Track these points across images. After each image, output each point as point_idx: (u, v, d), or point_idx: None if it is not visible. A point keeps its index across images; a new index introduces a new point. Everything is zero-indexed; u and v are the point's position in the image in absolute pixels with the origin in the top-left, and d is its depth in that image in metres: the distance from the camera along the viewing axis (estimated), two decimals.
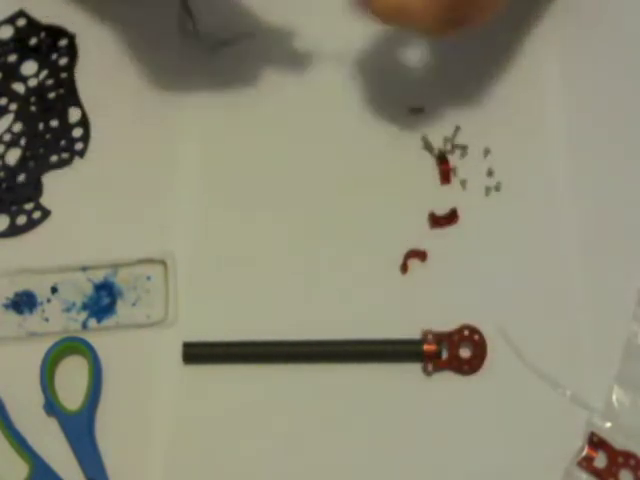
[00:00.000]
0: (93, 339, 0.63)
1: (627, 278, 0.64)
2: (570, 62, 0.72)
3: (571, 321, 0.63)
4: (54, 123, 0.70)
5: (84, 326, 0.64)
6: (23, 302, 0.64)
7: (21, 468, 0.60)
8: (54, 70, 0.72)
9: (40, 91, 0.72)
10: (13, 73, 0.72)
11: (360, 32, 0.72)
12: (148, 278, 0.65)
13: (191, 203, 0.67)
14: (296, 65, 0.71)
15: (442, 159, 0.68)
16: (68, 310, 0.64)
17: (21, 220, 0.67)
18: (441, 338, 0.62)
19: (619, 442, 0.60)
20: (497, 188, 0.67)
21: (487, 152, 0.68)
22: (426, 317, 0.63)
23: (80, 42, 0.73)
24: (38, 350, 0.62)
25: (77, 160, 0.69)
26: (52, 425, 0.61)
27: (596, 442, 0.60)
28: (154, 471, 0.60)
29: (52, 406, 0.61)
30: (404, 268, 0.65)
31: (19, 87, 0.72)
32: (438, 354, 0.62)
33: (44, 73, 0.72)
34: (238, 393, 0.62)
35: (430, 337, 0.62)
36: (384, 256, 0.65)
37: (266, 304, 0.64)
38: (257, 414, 0.61)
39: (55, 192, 0.68)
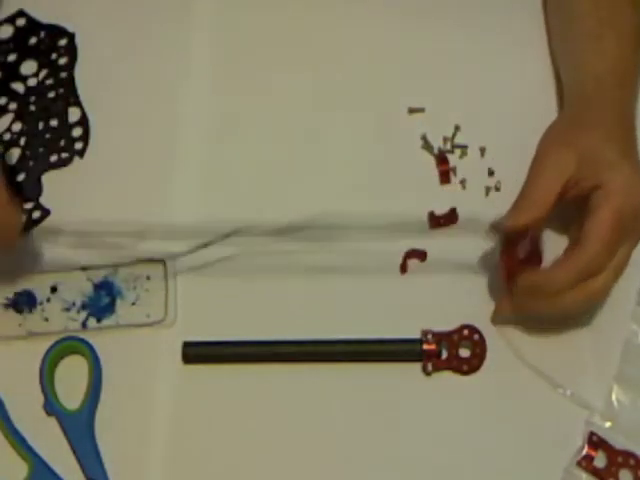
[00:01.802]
0: (93, 339, 0.63)
1: (627, 278, 0.64)
2: None
3: (571, 321, 0.63)
4: (54, 123, 0.70)
5: (84, 325, 0.64)
6: (23, 301, 0.64)
7: (21, 468, 0.59)
8: (54, 69, 0.72)
9: (40, 90, 0.72)
10: (13, 72, 0.72)
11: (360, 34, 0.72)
12: (148, 278, 0.65)
13: (191, 202, 0.67)
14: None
15: (442, 159, 0.68)
16: (68, 310, 0.64)
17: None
18: (441, 338, 0.62)
19: (619, 442, 0.60)
20: (497, 188, 0.67)
21: (486, 152, 0.68)
22: (426, 317, 0.63)
23: (80, 42, 0.73)
24: (38, 350, 0.62)
25: (77, 160, 0.69)
26: (52, 425, 0.61)
27: (596, 442, 0.60)
28: (154, 471, 0.60)
29: (52, 405, 0.61)
30: (403, 268, 0.65)
31: (19, 86, 0.72)
32: (438, 354, 0.62)
33: (44, 72, 0.72)
34: (238, 393, 0.62)
35: (430, 337, 0.62)
36: (384, 256, 0.65)
37: (266, 304, 0.64)
38: (257, 413, 0.61)
39: (55, 191, 0.68)
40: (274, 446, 0.60)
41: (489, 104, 0.70)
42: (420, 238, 0.66)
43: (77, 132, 0.70)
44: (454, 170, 0.68)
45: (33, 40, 0.73)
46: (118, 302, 0.64)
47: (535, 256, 0.62)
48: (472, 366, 0.62)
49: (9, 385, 0.62)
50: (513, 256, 0.61)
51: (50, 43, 0.73)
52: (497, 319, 0.63)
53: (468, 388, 0.62)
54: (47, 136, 0.70)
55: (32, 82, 0.72)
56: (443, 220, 0.66)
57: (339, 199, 0.67)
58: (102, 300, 0.64)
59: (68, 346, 0.63)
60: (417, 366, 0.62)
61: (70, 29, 0.73)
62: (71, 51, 0.73)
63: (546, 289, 0.59)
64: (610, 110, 0.63)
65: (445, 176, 0.68)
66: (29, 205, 0.67)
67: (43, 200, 0.68)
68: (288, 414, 0.61)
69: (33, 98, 0.71)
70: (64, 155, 0.69)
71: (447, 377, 0.62)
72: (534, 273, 0.60)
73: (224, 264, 0.65)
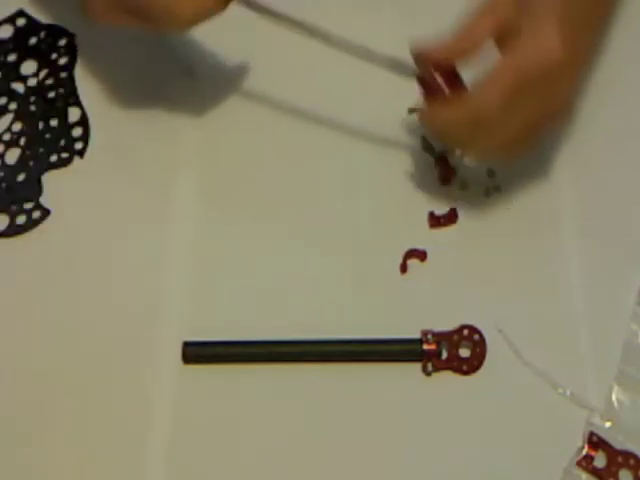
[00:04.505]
0: None
1: (627, 278, 0.64)
2: None
3: (571, 321, 0.63)
4: (54, 123, 0.70)
5: None
6: None
7: None
8: (54, 69, 0.72)
9: (40, 90, 0.72)
10: (13, 73, 0.72)
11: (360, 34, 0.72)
12: None
13: (191, 202, 0.67)
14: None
15: (442, 159, 0.68)
16: None
17: (21, 219, 0.67)
18: (441, 338, 0.62)
19: (619, 442, 0.60)
20: (497, 188, 0.67)
21: None
22: (426, 317, 0.63)
23: (80, 42, 0.73)
24: None
25: (77, 160, 0.69)
26: None
27: (596, 442, 0.60)
28: (154, 471, 0.60)
29: None
30: (403, 268, 0.65)
31: (19, 86, 0.72)
32: (438, 354, 0.62)
33: (44, 72, 0.72)
34: (238, 393, 0.62)
35: (430, 337, 0.62)
36: (384, 256, 0.65)
37: (266, 304, 0.64)
38: (257, 414, 0.61)
39: (55, 192, 0.68)
40: (274, 446, 0.60)
41: None
42: (420, 238, 0.66)
43: (77, 132, 0.70)
44: (454, 170, 0.68)
45: (33, 40, 0.73)
46: None
47: (450, 80, 0.60)
48: (472, 366, 0.62)
49: None
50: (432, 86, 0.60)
51: (50, 43, 0.73)
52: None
53: (468, 388, 0.62)
54: (47, 136, 0.70)
55: (32, 82, 0.72)
56: (443, 220, 0.66)
57: (339, 199, 0.67)
58: None
59: None
60: (417, 366, 0.62)
61: (70, 29, 0.73)
62: (71, 51, 0.73)
63: (433, 116, 0.60)
64: None
65: (445, 176, 0.68)
66: (29, 205, 0.67)
67: (43, 200, 0.68)
68: (288, 414, 0.61)
69: (33, 98, 0.71)
70: (64, 155, 0.69)
71: (447, 377, 0.62)
72: (432, 97, 0.60)
73: (225, 263, 0.65)
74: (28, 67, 0.72)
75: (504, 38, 0.58)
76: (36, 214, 0.67)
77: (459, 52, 0.59)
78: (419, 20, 0.71)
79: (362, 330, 0.63)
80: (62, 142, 0.70)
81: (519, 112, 0.58)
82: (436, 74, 0.60)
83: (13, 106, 0.71)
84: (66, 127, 0.70)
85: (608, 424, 0.60)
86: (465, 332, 0.63)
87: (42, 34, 0.73)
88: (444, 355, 0.62)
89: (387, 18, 0.73)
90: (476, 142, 0.60)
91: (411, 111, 0.70)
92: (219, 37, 0.70)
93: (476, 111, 0.57)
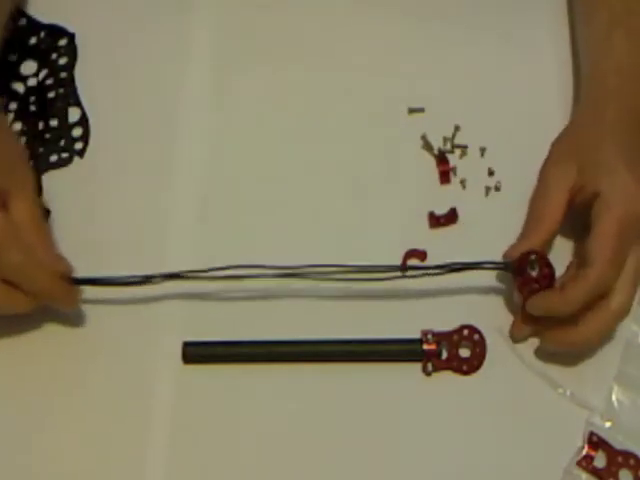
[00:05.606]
0: None
1: None
2: (569, 62, 0.72)
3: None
4: (54, 123, 0.70)
5: None
6: None
7: None
8: (54, 69, 0.72)
9: (40, 90, 0.71)
10: (13, 72, 0.72)
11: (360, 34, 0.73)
12: None
13: (191, 202, 0.67)
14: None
15: (442, 159, 0.68)
16: None
17: None
18: (441, 338, 0.62)
19: (619, 442, 0.60)
20: (497, 188, 0.67)
21: (486, 152, 0.68)
22: (426, 317, 0.63)
23: (80, 42, 0.73)
24: None
25: (77, 160, 0.69)
26: None
27: (596, 442, 0.60)
28: (154, 471, 0.60)
29: None
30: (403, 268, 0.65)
31: (19, 86, 0.72)
32: (438, 354, 0.62)
33: (44, 72, 0.72)
34: (238, 393, 0.62)
35: (430, 337, 0.62)
36: (384, 256, 0.65)
37: (266, 304, 0.64)
38: (257, 414, 0.61)
39: (55, 192, 0.68)
40: (274, 446, 0.60)
41: (489, 104, 0.70)
42: (420, 238, 0.66)
43: (77, 132, 0.70)
44: (454, 170, 0.68)
45: (33, 40, 0.73)
46: None
47: (548, 275, 0.61)
48: (472, 366, 0.62)
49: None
50: (527, 278, 0.61)
51: (50, 43, 0.73)
52: (515, 339, 0.63)
53: (468, 388, 0.62)
54: (47, 136, 0.70)
55: (32, 82, 0.72)
56: (443, 220, 0.66)
57: (339, 199, 0.67)
58: None
59: None
60: (417, 366, 0.62)
61: (70, 29, 0.73)
62: (71, 51, 0.73)
63: (559, 310, 0.59)
64: (612, 110, 0.62)
65: (445, 176, 0.68)
66: None
67: (43, 200, 0.67)
68: (288, 414, 0.61)
69: (33, 98, 0.71)
70: (64, 155, 0.69)
71: (447, 377, 0.62)
72: (546, 294, 0.60)
73: (224, 263, 0.65)
74: (28, 67, 0.72)
75: (580, 200, 0.61)
76: None
77: (547, 240, 0.62)
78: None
79: (362, 330, 0.63)
80: (62, 142, 0.70)
81: (630, 260, 0.59)
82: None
83: (13, 106, 0.71)
84: (66, 127, 0.70)
85: (608, 424, 0.60)
86: (465, 332, 0.63)
87: (42, 34, 0.73)
88: (444, 355, 0.62)
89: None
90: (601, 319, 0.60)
91: (412, 111, 0.70)
92: None
93: (597, 283, 0.58)
